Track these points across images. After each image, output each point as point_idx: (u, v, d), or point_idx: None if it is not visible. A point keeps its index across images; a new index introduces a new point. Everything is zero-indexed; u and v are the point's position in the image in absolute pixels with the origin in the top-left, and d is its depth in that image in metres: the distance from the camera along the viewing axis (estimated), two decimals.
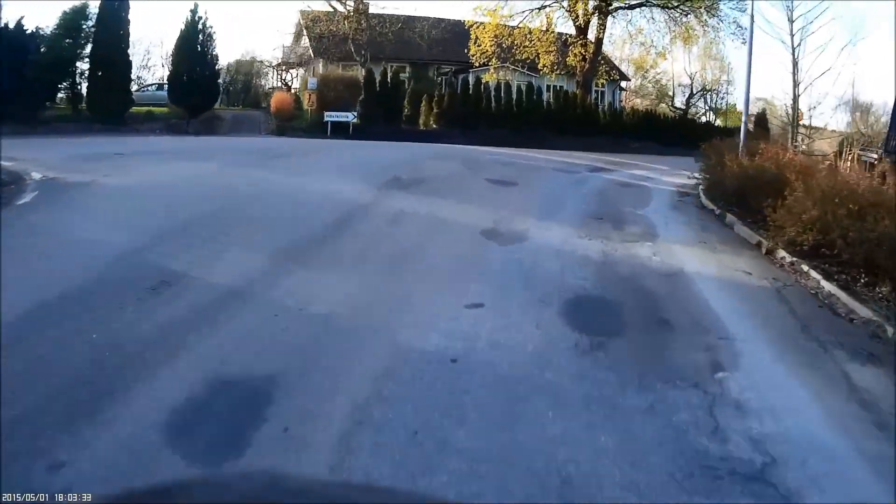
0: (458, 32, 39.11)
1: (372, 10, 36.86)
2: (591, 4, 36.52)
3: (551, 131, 33.27)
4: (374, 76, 31.15)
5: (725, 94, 59.49)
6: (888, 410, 4.63)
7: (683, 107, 58.02)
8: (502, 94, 33.17)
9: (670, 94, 57.82)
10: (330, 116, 29.08)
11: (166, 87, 32.36)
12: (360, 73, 31.45)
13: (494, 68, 36.35)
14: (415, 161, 17.55)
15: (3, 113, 20.73)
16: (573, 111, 35.03)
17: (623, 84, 46.79)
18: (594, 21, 38.09)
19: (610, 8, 37.70)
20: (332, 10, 36.36)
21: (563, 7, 38.13)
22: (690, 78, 57.74)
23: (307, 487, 0.79)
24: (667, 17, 37.56)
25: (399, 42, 38.44)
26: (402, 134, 29.64)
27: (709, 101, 59.87)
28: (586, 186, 15.82)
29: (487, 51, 35.88)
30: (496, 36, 36.18)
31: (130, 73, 31.70)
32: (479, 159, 19.03)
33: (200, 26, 30.99)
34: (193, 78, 30.04)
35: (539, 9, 38.19)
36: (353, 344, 5.26)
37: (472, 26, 35.60)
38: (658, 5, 37.06)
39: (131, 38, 31.13)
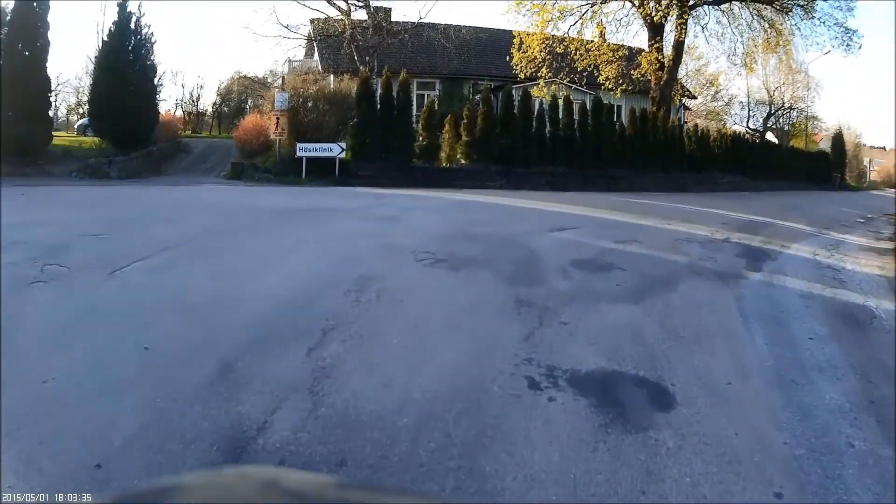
0: (498, 41, 29.62)
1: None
2: None
3: (625, 165, 23.59)
4: (372, 87, 21.44)
5: (805, 113, 50.43)
6: None
7: (756, 128, 49.21)
8: (560, 115, 23.23)
9: (733, 112, 50.23)
10: (304, 150, 19.49)
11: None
12: (350, 85, 21.83)
13: (545, 81, 26.66)
14: (394, 265, 7.80)
15: None
16: (653, 137, 25.23)
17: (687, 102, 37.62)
18: (672, 19, 28.35)
19: (690, 3, 27.90)
20: (339, 14, 27.20)
21: (633, 2, 28.39)
22: (770, 94, 49.08)
23: (306, 488, 0.78)
24: (753, 17, 28.87)
25: (423, 51, 29.11)
26: (412, 175, 19.97)
27: (780, 120, 51.21)
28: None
29: (536, 57, 26.34)
30: (545, 40, 26.73)
31: (49, 93, 22.76)
32: (543, 251, 9.11)
33: (133, 26, 21.91)
34: (121, 98, 20.75)
35: (601, 2, 28.73)
36: None
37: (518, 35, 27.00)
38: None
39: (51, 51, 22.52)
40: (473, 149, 21.33)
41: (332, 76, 24.64)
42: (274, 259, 7.55)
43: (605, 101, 25.31)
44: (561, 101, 23.55)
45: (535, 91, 24.86)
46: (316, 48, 30.17)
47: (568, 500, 3.09)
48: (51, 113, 24.11)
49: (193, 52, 67.95)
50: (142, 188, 16.97)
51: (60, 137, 28.07)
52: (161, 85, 24.65)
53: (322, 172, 19.35)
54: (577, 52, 27.85)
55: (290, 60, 30.71)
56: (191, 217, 10.95)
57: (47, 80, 22.85)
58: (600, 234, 10.75)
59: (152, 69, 23.00)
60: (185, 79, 62.08)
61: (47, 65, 23.09)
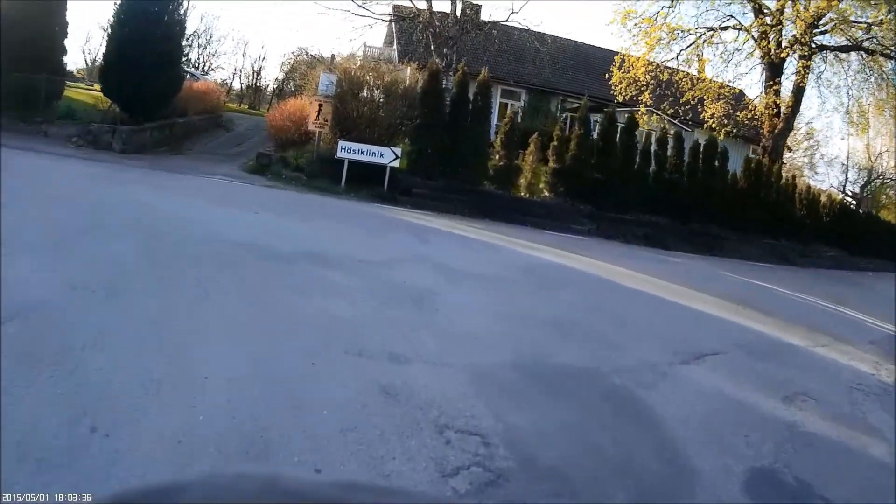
0: (592, 58, 25.57)
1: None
2: (788, 33, 23.77)
3: (732, 224, 19.27)
4: (441, 83, 17.18)
5: None
6: None
7: (853, 192, 44.65)
8: (668, 152, 18.72)
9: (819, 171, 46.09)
10: (347, 151, 15.29)
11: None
12: (418, 78, 17.61)
13: (645, 108, 22.39)
14: None
15: None
16: (765, 194, 20.76)
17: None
18: (793, 60, 24.21)
19: (814, 46, 23.51)
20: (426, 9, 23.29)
21: (751, 35, 24.07)
22: (871, 158, 44.83)
23: (306, 488, 0.79)
24: (871, 71, 24.96)
25: (510, 53, 25.02)
26: (480, 201, 15.67)
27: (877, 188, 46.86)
28: None
29: (639, 80, 22.10)
30: (649, 64, 22.75)
31: (63, 42, 19.27)
32: (683, 436, 4.48)
33: None
34: (135, 57, 16.82)
35: (720, 28, 24.75)
36: None
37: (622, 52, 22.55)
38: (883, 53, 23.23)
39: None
40: (560, 179, 16.94)
41: (408, 70, 20.37)
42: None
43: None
44: (671, 137, 19.08)
45: (639, 119, 20.35)
46: (394, 33, 26.11)
47: None
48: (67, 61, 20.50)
49: (261, 21, 63.34)
50: (112, 171, 13.02)
51: (80, 91, 24.59)
52: (189, 46, 20.63)
53: (366, 181, 15.16)
54: (684, 82, 23.59)
55: (365, 45, 26.78)
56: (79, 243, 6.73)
57: (63, 24, 19.33)
58: (753, 371, 6.30)
59: (178, 26, 18.94)
60: (249, 49, 57.28)
61: (66, 7, 19.69)
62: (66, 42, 19.83)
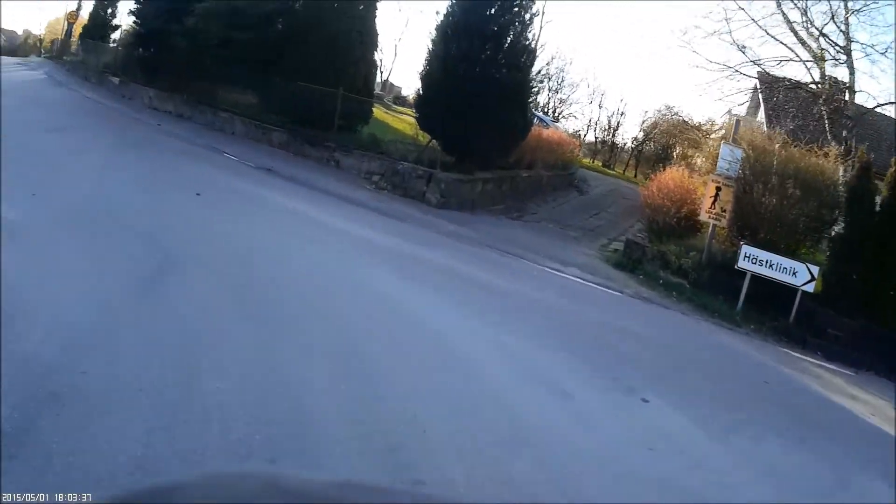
0: None
1: None
2: None
3: None
4: (872, 180, 11.99)
5: None
6: None
7: None
8: None
9: None
10: (751, 260, 10.66)
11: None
12: (839, 170, 12.66)
13: None
14: None
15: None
16: None
17: None
18: None
19: None
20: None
21: None
22: None
23: (306, 488, 0.79)
24: None
25: None
26: None
27: None
28: None
29: None
30: None
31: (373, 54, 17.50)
32: None
33: None
34: (473, 84, 13.96)
35: None
36: None
37: None
38: None
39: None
40: None
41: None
42: None
43: None
44: None
45: None
46: (761, 101, 21.33)
47: None
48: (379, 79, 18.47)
49: (620, 69, 60.75)
50: (412, 245, 9.71)
51: (393, 115, 22.97)
52: (541, 84, 17.30)
53: (766, 304, 10.46)
54: None
55: (730, 113, 22.37)
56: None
57: (371, 32, 17.43)
58: None
59: (526, 54, 15.41)
60: (605, 100, 54.13)
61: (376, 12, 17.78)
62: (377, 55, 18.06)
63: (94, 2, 30.68)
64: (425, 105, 15.01)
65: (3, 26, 71.51)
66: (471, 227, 12.32)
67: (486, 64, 14.34)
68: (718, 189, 11.71)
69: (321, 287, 6.60)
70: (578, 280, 10.36)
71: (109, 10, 29.14)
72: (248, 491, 0.75)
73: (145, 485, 0.78)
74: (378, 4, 17.93)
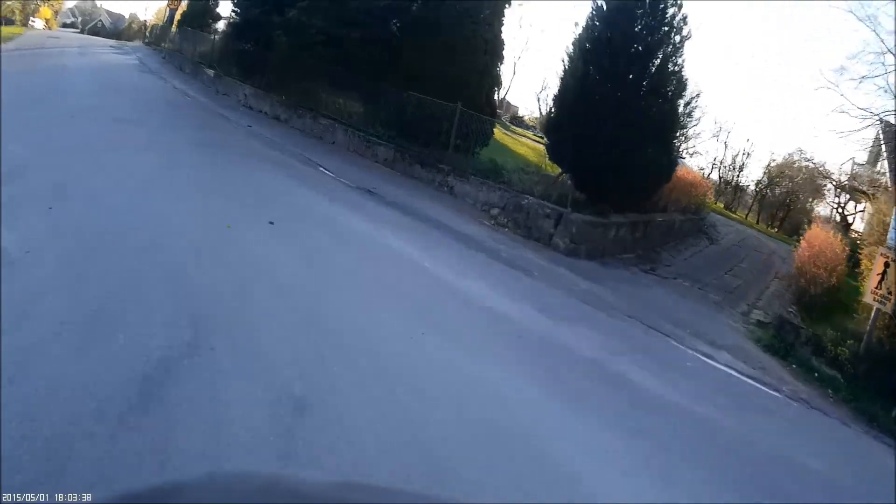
0: None
1: None
2: None
3: None
4: None
5: None
6: None
7: None
8: None
9: None
10: None
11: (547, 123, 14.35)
12: None
13: None
14: None
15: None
16: None
17: None
18: None
19: None
20: None
21: None
22: None
23: (307, 488, 0.77)
24: None
25: None
26: None
27: None
28: None
29: None
30: None
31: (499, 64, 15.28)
32: None
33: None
34: (613, 111, 11.63)
35: None
36: None
37: None
38: None
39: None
40: None
41: None
42: None
43: None
44: None
45: None
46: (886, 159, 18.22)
47: None
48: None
49: (747, 108, 55.79)
50: (545, 318, 7.18)
51: (521, 142, 20.56)
52: (689, 115, 14.49)
53: None
54: None
55: (853, 161, 19.44)
56: None
57: (497, 42, 15.12)
58: None
59: (675, 82, 12.89)
60: (730, 138, 49.34)
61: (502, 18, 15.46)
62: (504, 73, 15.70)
63: None
64: (557, 132, 12.71)
65: (110, 9, 73.44)
66: (607, 286, 9.91)
67: (630, 89, 11.97)
68: (887, 265, 8.94)
69: (436, 421, 4.19)
70: (733, 373, 7.87)
71: None
72: (248, 491, 0.75)
73: (145, 485, 0.75)
74: (506, 10, 15.67)
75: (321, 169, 11.96)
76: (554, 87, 16.27)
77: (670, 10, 12.45)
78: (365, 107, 15.53)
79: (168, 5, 35.77)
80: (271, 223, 7.31)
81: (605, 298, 9.18)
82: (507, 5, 15.73)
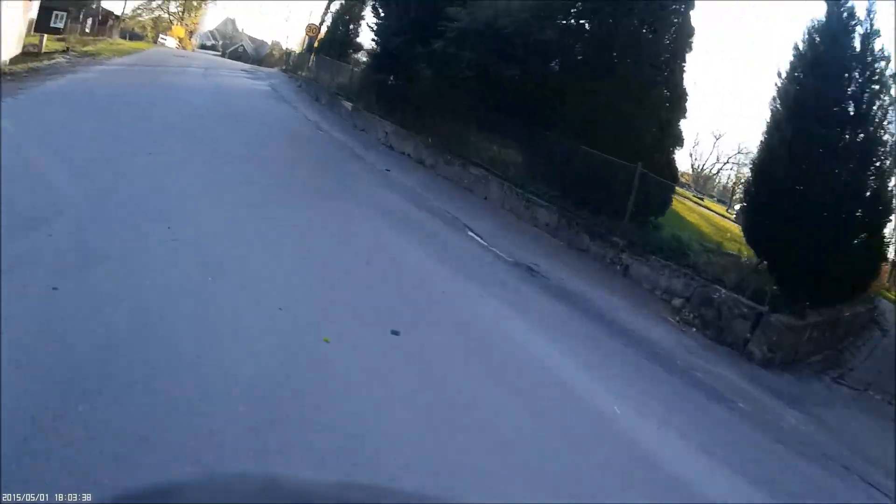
0: None
1: None
2: None
3: None
4: None
5: None
6: None
7: None
8: None
9: None
10: None
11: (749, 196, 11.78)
12: None
13: None
14: None
15: None
16: None
17: None
18: None
19: None
20: None
21: None
22: None
23: (306, 488, 0.80)
24: None
25: None
26: None
27: None
28: None
29: None
30: None
31: (681, 119, 13.18)
32: None
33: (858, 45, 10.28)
34: (820, 184, 9.31)
35: None
36: None
37: None
38: None
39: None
40: None
41: None
42: None
43: None
44: None
45: None
46: None
47: None
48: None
49: None
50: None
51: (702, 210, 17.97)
52: None
53: None
54: None
55: None
56: None
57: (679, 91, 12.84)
58: None
59: (892, 154, 10.56)
60: None
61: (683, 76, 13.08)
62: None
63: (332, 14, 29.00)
64: (758, 211, 10.39)
65: (252, 35, 75.96)
66: (811, 415, 7.60)
67: (845, 161, 9.78)
68: None
69: None
70: None
71: (351, 26, 26.90)
72: (248, 491, 0.74)
73: (145, 485, 0.76)
74: (687, 55, 13.36)
75: (470, 233, 10.00)
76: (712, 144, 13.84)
77: (879, 64, 10.25)
78: (524, 157, 13.57)
79: (306, 32, 35.44)
80: (395, 333, 5.14)
81: (817, 440, 6.88)
82: (688, 49, 13.45)
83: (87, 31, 39.15)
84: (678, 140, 12.94)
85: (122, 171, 7.48)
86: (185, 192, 7.27)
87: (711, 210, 20.55)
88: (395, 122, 16.39)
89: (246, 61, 54.92)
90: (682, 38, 13.18)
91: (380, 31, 18.96)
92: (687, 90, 13.17)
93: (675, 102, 12.81)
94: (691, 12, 13.15)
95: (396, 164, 14.26)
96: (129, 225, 5.65)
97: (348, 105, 19.23)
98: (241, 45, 70.66)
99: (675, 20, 13.12)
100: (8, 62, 17.44)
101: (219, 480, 0.81)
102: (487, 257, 9.06)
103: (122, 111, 11.78)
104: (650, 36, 12.83)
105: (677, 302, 9.87)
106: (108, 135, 9.34)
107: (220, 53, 61.17)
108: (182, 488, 0.74)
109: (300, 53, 36.61)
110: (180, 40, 55.89)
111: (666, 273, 10.32)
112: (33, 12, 28.55)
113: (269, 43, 70.13)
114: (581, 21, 14.09)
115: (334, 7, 29.92)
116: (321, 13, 35.10)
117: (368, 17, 22.72)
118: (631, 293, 9.91)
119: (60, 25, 34.09)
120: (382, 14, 19.13)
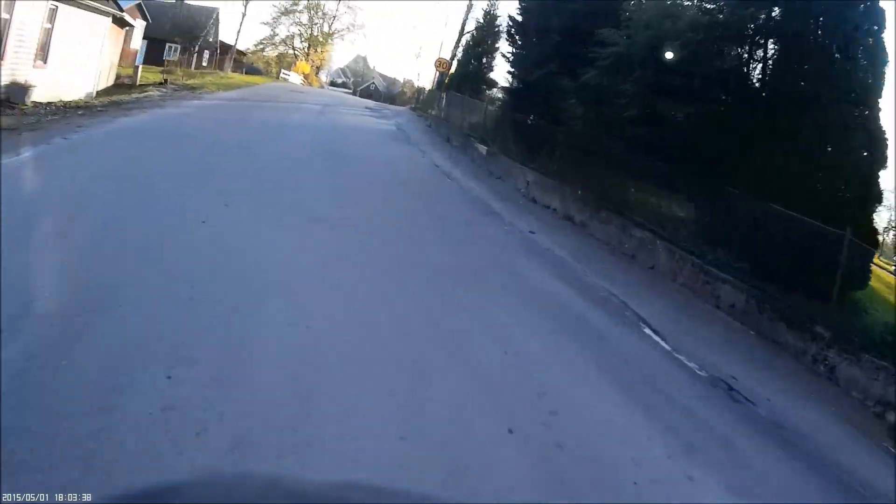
0: None
1: None
2: None
3: None
4: None
5: None
6: None
7: None
8: None
9: None
10: None
11: None
12: None
13: None
14: None
15: None
16: None
17: None
18: None
19: None
20: None
21: None
22: None
23: (307, 489, 0.79)
24: None
25: None
26: None
27: None
28: None
29: None
30: None
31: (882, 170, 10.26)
32: None
33: None
34: None
35: None
36: None
37: None
38: None
39: None
40: None
41: None
42: None
43: None
44: None
45: None
46: None
47: None
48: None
49: None
50: None
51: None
52: None
53: None
54: None
55: None
56: None
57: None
58: None
59: None
60: None
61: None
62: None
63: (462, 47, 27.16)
64: None
65: (384, 73, 76.38)
66: None
67: None
68: None
69: None
70: None
71: (483, 59, 24.83)
72: (248, 491, 0.74)
73: (145, 485, 0.75)
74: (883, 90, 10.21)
75: (646, 329, 7.32)
76: None
77: None
78: (696, 215, 10.74)
79: (436, 68, 33.70)
80: None
81: None
82: (882, 81, 10.29)
83: (204, 63, 39.70)
84: (879, 197, 9.86)
85: (160, 241, 5.62)
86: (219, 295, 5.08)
87: None
88: (537, 168, 13.87)
89: (377, 99, 54.50)
90: (879, 67, 10.08)
91: (516, 62, 16.82)
92: (886, 134, 10.03)
93: (876, 149, 9.70)
94: (882, 35, 10.09)
95: (541, 222, 11.81)
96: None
97: (482, 148, 16.91)
98: (373, 83, 71.03)
99: (869, 40, 10.10)
100: (95, 94, 16.79)
101: (219, 480, 0.81)
102: (675, 371, 6.37)
103: (193, 158, 9.94)
104: (846, 63, 9.87)
105: (892, 417, 6.91)
106: (161, 187, 7.57)
107: (350, 91, 61.27)
108: (182, 488, 0.73)
109: (430, 91, 35.03)
110: (305, 76, 55.80)
111: (881, 378, 7.27)
112: (136, 42, 28.79)
113: (401, 80, 70.02)
114: (764, 39, 11.24)
115: (465, 40, 28.23)
116: (451, 47, 33.26)
117: (504, 47, 20.66)
118: (838, 410, 7.07)
119: (174, 58, 34.64)
120: (520, 42, 17.04)
